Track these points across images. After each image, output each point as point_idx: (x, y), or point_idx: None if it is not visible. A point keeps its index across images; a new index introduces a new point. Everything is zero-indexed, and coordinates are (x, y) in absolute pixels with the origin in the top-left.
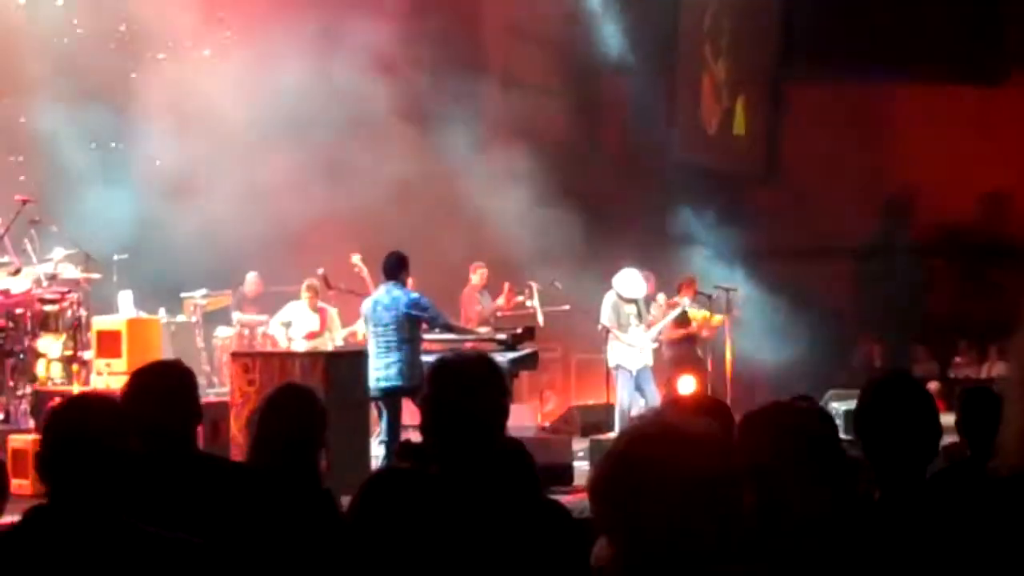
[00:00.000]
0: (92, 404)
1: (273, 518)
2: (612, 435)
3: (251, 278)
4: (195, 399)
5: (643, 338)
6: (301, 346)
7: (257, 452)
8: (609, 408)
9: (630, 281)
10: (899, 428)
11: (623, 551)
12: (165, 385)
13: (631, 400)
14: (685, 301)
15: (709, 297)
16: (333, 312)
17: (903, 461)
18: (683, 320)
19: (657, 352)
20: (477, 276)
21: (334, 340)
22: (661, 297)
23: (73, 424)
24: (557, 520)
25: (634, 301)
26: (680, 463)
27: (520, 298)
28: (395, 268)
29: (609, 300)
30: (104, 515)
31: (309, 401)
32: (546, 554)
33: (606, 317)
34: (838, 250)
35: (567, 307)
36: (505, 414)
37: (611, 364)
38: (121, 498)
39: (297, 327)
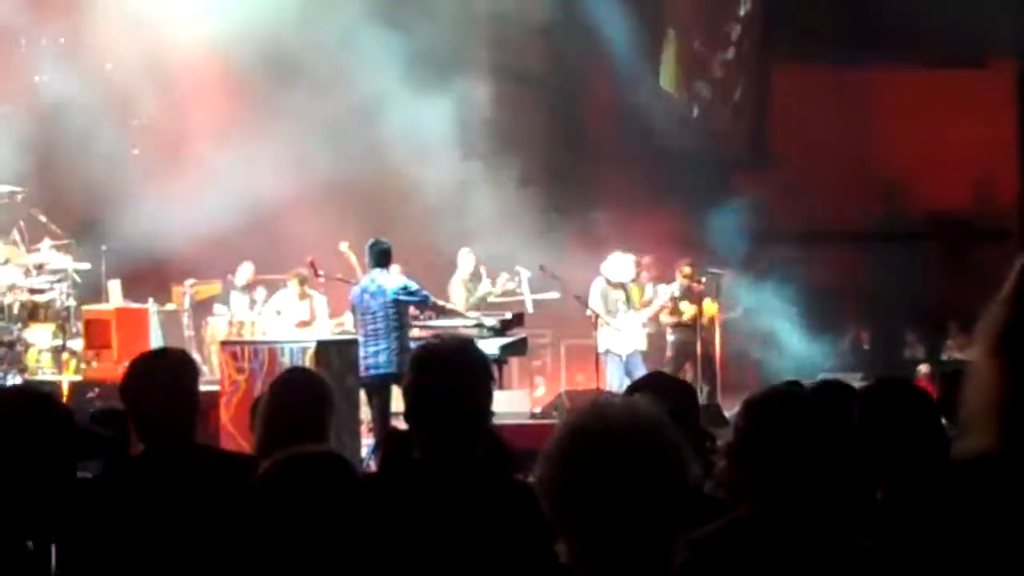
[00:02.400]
0: None
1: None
2: None
3: (244, 268)
4: (195, 389)
5: (632, 323)
6: (291, 334)
7: (266, 436)
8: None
9: (617, 265)
10: (898, 433)
11: (576, 548)
12: (166, 374)
13: (621, 385)
14: (673, 287)
15: (700, 281)
16: (321, 300)
17: (903, 464)
18: (675, 310)
19: (654, 337)
20: (465, 262)
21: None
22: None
23: None
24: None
25: (622, 286)
26: (611, 446)
27: (511, 285)
28: (379, 256)
29: (598, 286)
30: None
31: (319, 384)
32: (522, 536)
33: (594, 302)
34: (827, 235)
35: (556, 295)
36: (489, 400)
37: (600, 349)
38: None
39: (287, 316)
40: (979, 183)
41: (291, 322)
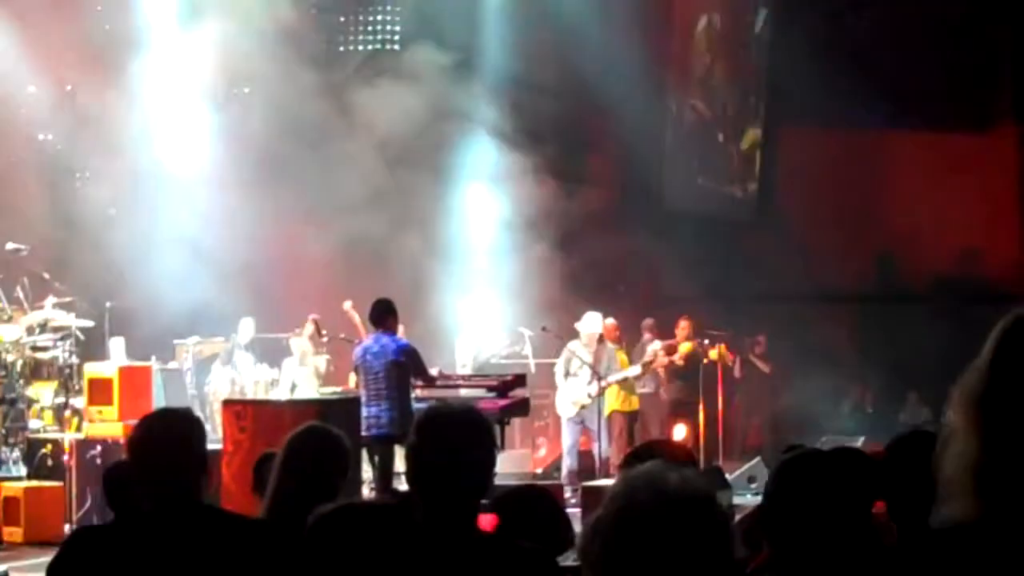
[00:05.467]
0: None
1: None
2: (597, 483)
3: (245, 324)
4: (203, 448)
5: (576, 389)
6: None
7: (277, 498)
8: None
9: (585, 321)
10: (922, 482)
11: None
12: (173, 434)
13: (568, 447)
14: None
15: (704, 342)
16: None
17: (925, 513)
18: (670, 350)
19: (648, 397)
20: (470, 322)
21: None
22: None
23: None
24: (537, 570)
25: (599, 345)
26: (661, 521)
27: (515, 347)
28: (383, 315)
29: (569, 346)
30: None
31: (336, 440)
32: None
33: (560, 362)
34: (831, 296)
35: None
36: (492, 465)
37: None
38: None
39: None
40: (982, 246)
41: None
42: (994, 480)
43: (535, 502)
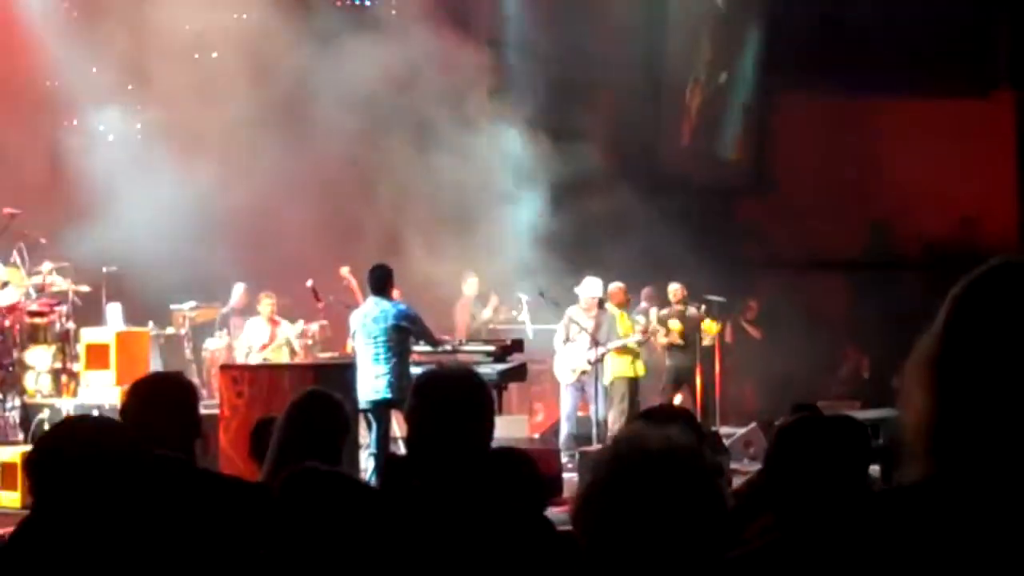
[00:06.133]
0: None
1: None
2: (595, 448)
3: (238, 289)
4: (195, 412)
5: (575, 355)
6: (256, 359)
7: (277, 462)
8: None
9: (584, 286)
10: None
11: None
12: (166, 398)
13: (567, 414)
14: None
15: (698, 307)
16: (285, 324)
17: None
18: (666, 331)
19: (650, 364)
20: (468, 286)
21: (292, 347)
22: (653, 312)
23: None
24: (535, 534)
25: (599, 310)
26: (648, 480)
27: (512, 312)
28: (381, 281)
29: (568, 312)
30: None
31: (338, 407)
32: (520, 568)
33: (559, 327)
34: (827, 263)
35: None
36: (490, 428)
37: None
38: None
39: (254, 342)
40: (978, 212)
41: (256, 347)
42: (947, 440)
43: (509, 463)
